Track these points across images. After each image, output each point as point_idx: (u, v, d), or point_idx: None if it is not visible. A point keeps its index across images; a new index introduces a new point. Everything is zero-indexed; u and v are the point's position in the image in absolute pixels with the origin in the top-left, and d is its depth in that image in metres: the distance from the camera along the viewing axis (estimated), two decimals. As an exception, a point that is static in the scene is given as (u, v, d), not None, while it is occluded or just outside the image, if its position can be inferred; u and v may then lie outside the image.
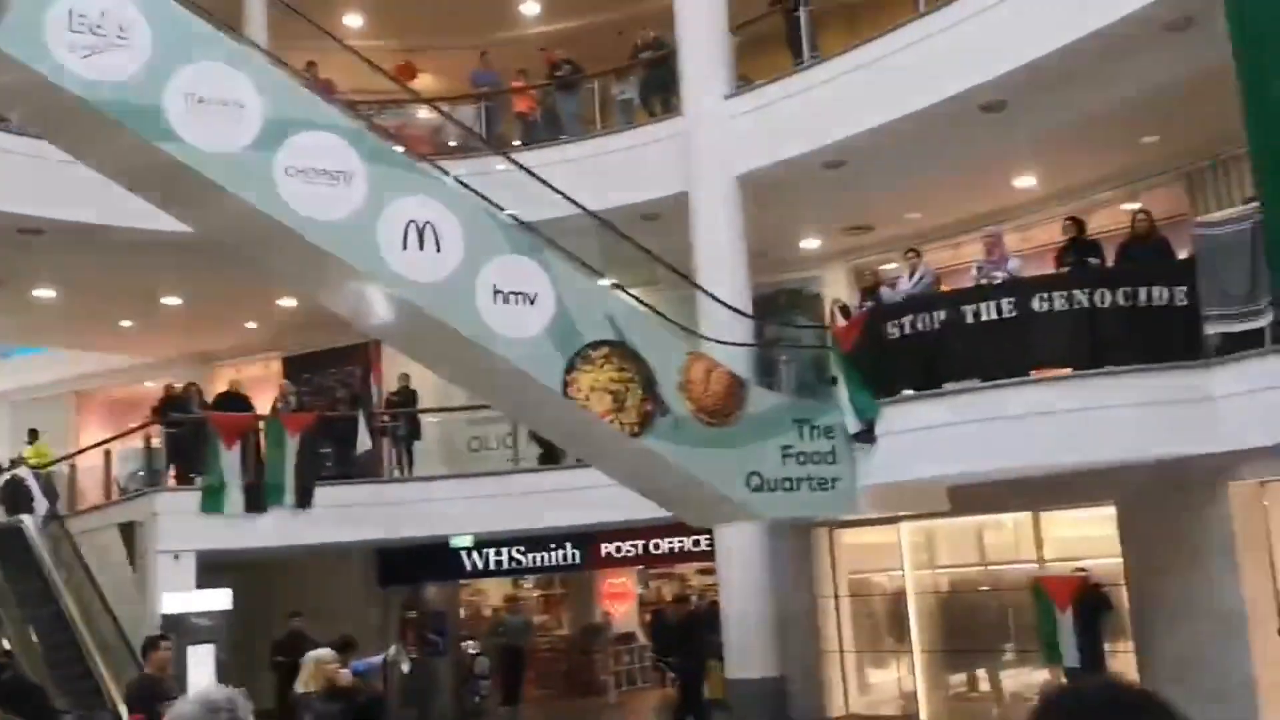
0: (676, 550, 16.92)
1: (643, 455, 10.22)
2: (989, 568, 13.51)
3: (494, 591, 21.36)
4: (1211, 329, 10.02)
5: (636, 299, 11.04)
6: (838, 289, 16.13)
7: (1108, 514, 11.47)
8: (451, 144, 16.55)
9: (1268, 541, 10.25)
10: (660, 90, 15.50)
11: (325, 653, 7.12)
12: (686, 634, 14.56)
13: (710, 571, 17.54)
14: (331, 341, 18.69)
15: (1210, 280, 9.99)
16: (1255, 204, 9.77)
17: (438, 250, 9.36)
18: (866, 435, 10.68)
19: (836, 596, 14.35)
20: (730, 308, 12.26)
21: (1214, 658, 10.14)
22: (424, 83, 18.60)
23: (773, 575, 13.35)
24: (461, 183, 10.33)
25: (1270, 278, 9.51)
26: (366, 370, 19.10)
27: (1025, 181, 13.88)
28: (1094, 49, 10.89)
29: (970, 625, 13.38)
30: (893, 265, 15.03)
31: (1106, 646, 11.24)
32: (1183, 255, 10.61)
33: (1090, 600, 11.13)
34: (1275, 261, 9.37)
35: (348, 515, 15.01)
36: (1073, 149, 12.86)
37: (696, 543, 16.31)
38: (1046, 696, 2.05)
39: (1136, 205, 13.75)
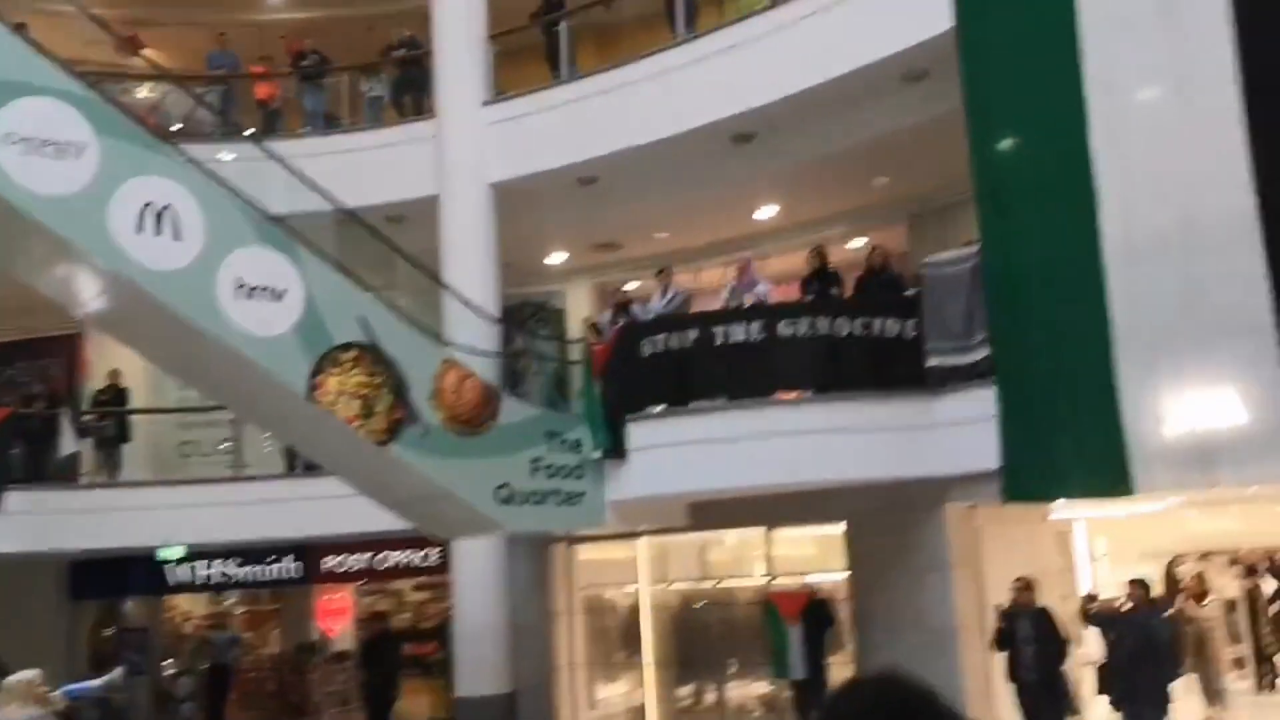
0: (405, 565, 16.44)
1: (389, 465, 9.86)
2: (722, 583, 13.91)
3: (197, 607, 20.01)
4: (933, 361, 10.72)
5: (390, 303, 10.64)
6: (582, 304, 16.24)
7: (837, 532, 12.06)
8: (174, 128, 15.44)
9: (977, 560, 11.06)
10: (412, 91, 15.13)
11: (34, 674, 6.36)
12: (376, 652, 14.32)
13: (429, 587, 17.17)
14: (27, 330, 16.98)
15: (934, 316, 10.70)
16: (975, 246, 10.54)
17: (176, 237, 8.68)
18: (614, 451, 10.75)
19: (571, 612, 14.36)
20: (487, 315, 12.08)
21: (926, 668, 10.77)
22: (151, 59, 17.29)
23: (508, 590, 13.19)
24: (208, 171, 9.62)
25: (986, 316, 10.29)
26: (71, 364, 17.49)
27: (769, 211, 14.47)
28: (838, 92, 11.50)
29: (702, 639, 13.74)
30: (637, 284, 15.29)
31: (829, 659, 11.78)
32: (911, 291, 11.31)
33: (816, 614, 11.64)
34: (992, 301, 10.14)
35: (41, 523, 13.65)
36: (813, 184, 13.52)
37: (425, 557, 15.92)
38: (835, 693, 2.05)
39: (864, 240, 14.70)
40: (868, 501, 11.35)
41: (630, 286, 14.83)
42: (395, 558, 16.30)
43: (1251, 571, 15.13)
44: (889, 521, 11.37)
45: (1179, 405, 8.91)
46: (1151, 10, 9.02)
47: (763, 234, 14.92)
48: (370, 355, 9.60)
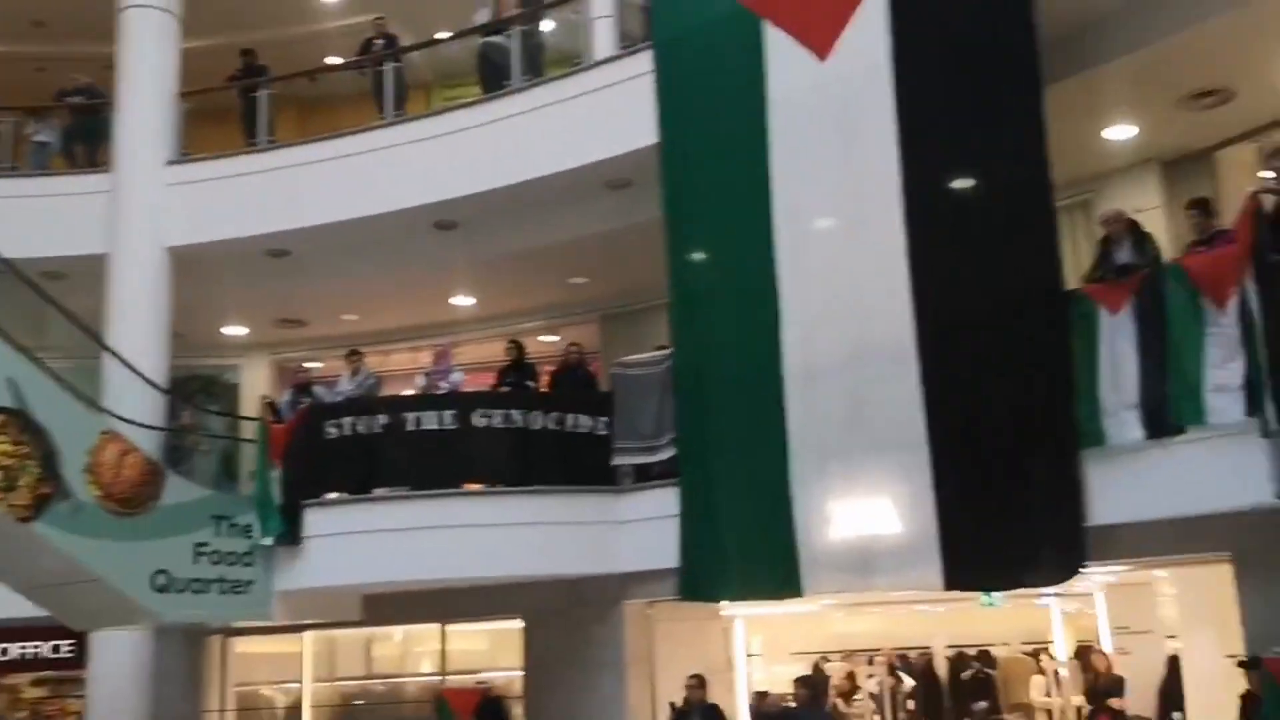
0: (30, 657, 14.66)
1: (30, 543, 8.84)
2: (393, 679, 13.35)
3: None
4: (621, 460, 10.95)
5: (44, 366, 9.64)
6: (259, 381, 15.43)
7: (513, 628, 11.91)
8: None
9: (650, 657, 11.24)
10: (87, 141, 14.01)
11: None
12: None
13: (50, 683, 15.42)
14: None
15: (624, 415, 10.96)
16: (668, 351, 10.95)
17: None
18: (288, 538, 10.19)
19: (224, 710, 13.29)
20: (154, 385, 11.19)
21: (598, 767, 10.81)
22: None
23: (153, 686, 12.03)
24: None
25: (673, 418, 10.66)
26: None
27: (465, 300, 14.40)
28: (543, 191, 11.74)
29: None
30: (319, 364, 14.72)
31: (499, 759, 11.53)
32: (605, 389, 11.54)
33: (490, 712, 11.39)
34: (680, 405, 10.53)
35: None
36: (511, 277, 13.60)
37: (56, 649, 14.28)
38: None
39: (557, 337, 14.93)
40: (548, 597, 11.32)
41: (312, 366, 14.23)
42: (20, 649, 14.52)
43: (892, 670, 16.29)
44: (567, 618, 11.38)
45: (844, 513, 9.52)
46: (834, 147, 9.82)
47: (458, 322, 14.83)
48: (17, 421, 8.65)
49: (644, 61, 11.16)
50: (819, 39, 10.40)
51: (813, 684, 9.17)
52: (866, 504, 9.42)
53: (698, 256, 10.70)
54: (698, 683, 9.31)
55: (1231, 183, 10.49)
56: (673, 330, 10.80)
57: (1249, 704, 7.44)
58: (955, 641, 16.61)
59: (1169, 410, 7.68)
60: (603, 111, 11.37)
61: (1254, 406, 7.13)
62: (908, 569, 9.24)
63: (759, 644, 16.41)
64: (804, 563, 9.65)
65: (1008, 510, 8.68)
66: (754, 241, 10.18)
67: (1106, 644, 13.71)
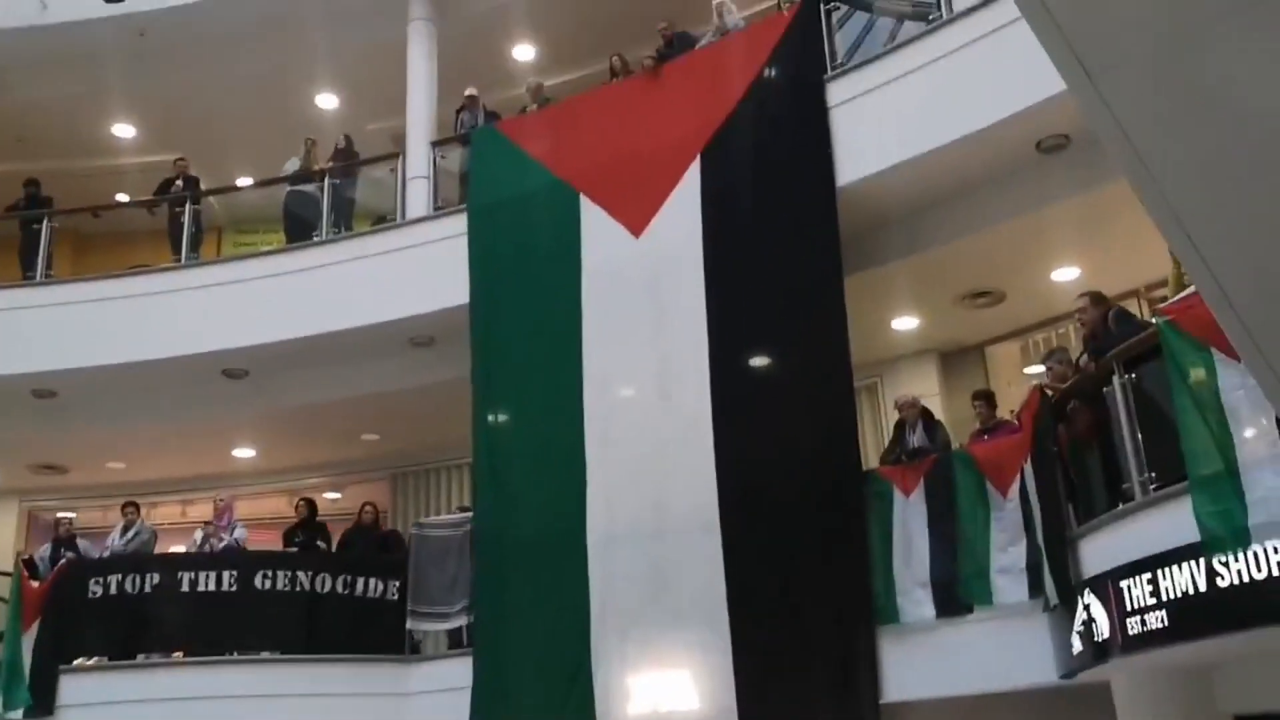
0: None
1: None
2: None
3: None
4: (415, 625, 10.54)
5: None
6: (8, 531, 14.10)
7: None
8: None
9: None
10: None
11: None
12: None
13: None
14: None
15: (419, 579, 10.61)
16: (469, 513, 10.75)
17: None
18: (39, 709, 9.21)
19: None
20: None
21: None
22: None
23: None
24: None
25: (470, 583, 10.39)
26: None
27: (245, 452, 13.74)
28: (342, 345, 11.49)
29: None
30: (73, 514, 13.63)
31: None
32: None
33: None
34: (480, 569, 10.29)
35: None
36: (301, 430, 13.11)
37: None
38: None
39: (339, 495, 14.42)
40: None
41: (66, 515, 13.15)
42: None
43: None
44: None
45: (643, 687, 9.42)
46: (645, 320, 10.11)
47: (237, 474, 14.09)
48: None
49: (458, 224, 11.29)
50: (634, 217, 10.97)
51: None
52: (665, 676, 9.37)
53: (504, 418, 10.66)
54: None
55: (1000, 375, 11.40)
56: (475, 491, 10.63)
57: None
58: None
59: (959, 590, 8.07)
60: (412, 269, 11.35)
61: (1036, 588, 7.59)
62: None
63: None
64: (601, 740, 9.45)
65: (805, 685, 8.81)
66: (562, 405, 10.26)
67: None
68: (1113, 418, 6.79)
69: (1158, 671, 7.14)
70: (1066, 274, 10.12)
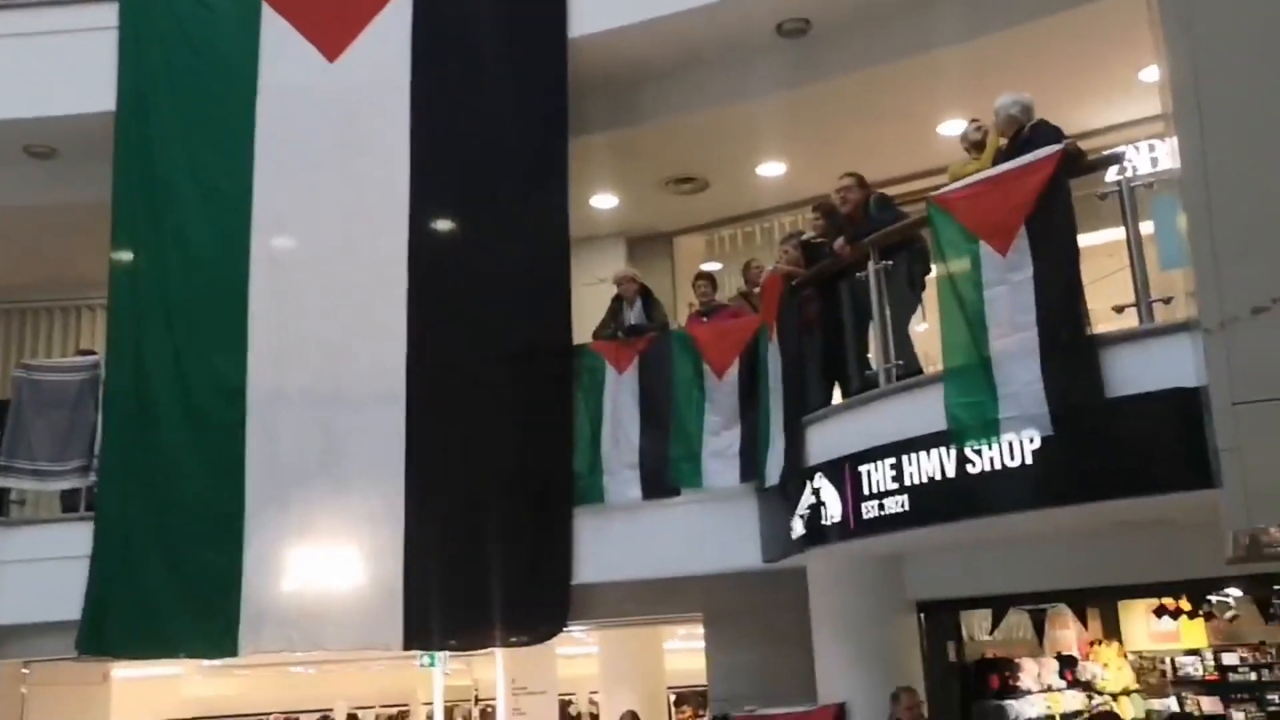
0: None
1: None
2: None
3: None
4: (10, 482, 8.89)
5: None
6: None
7: None
8: None
9: (21, 731, 9.10)
10: None
11: None
12: None
13: None
14: None
15: (19, 429, 8.94)
16: (94, 358, 9.17)
17: None
18: None
19: None
20: None
21: None
22: None
23: None
24: None
25: (90, 440, 8.90)
26: None
27: None
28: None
29: None
30: None
31: None
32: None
33: None
34: (110, 425, 8.80)
35: None
36: None
37: None
38: None
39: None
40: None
41: None
42: None
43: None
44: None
45: (301, 561, 8.50)
46: (334, 160, 8.93)
47: None
48: None
49: (106, 14, 9.42)
50: (329, 38, 9.65)
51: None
52: (328, 552, 8.50)
53: (151, 254, 9.08)
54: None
55: (684, 268, 11.25)
56: (110, 337, 9.03)
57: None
58: (324, 704, 15.89)
59: (668, 472, 7.85)
60: (38, 61, 9.37)
61: (748, 472, 7.51)
62: (365, 627, 8.46)
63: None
64: (246, 617, 8.42)
65: (488, 568, 8.28)
66: (225, 245, 8.93)
67: (502, 703, 13.88)
68: (859, 306, 6.74)
69: (856, 559, 7.31)
70: (772, 169, 10.12)
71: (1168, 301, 5.41)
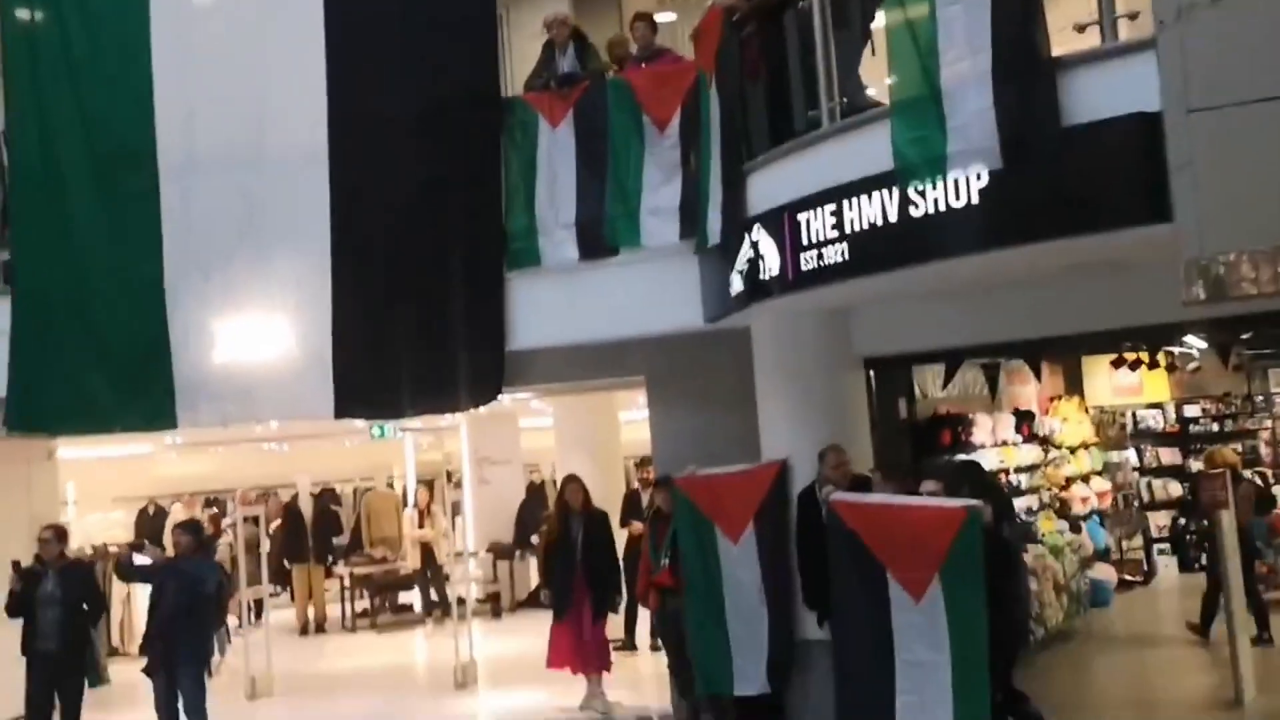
0: None
1: None
2: None
3: None
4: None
5: None
6: None
7: None
8: None
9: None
10: None
11: None
12: None
13: None
14: None
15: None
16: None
17: None
18: None
19: None
20: None
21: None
22: None
23: None
24: None
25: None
26: None
27: None
28: None
29: None
30: None
31: None
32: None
33: None
34: (15, 191, 8.28)
35: None
36: None
37: None
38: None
39: None
40: None
41: None
42: None
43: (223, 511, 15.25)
44: None
45: (228, 332, 8.15)
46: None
47: None
48: None
49: None
50: None
51: (197, 529, 7.77)
52: (254, 321, 8.12)
53: (48, 10, 8.30)
54: (54, 535, 7.43)
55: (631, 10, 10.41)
56: (8, 101, 8.34)
57: (657, 519, 7.63)
58: (309, 479, 15.97)
59: (605, 230, 7.42)
60: None
61: (688, 229, 7.09)
62: (296, 397, 8.20)
63: (73, 490, 14.31)
64: (180, 389, 8.15)
65: (418, 333, 7.97)
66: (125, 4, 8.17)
67: (468, 474, 13.94)
68: (804, 41, 6.15)
69: (800, 315, 6.98)
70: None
71: (1134, 17, 4.87)
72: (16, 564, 7.36)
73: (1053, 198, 4.85)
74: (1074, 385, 12.08)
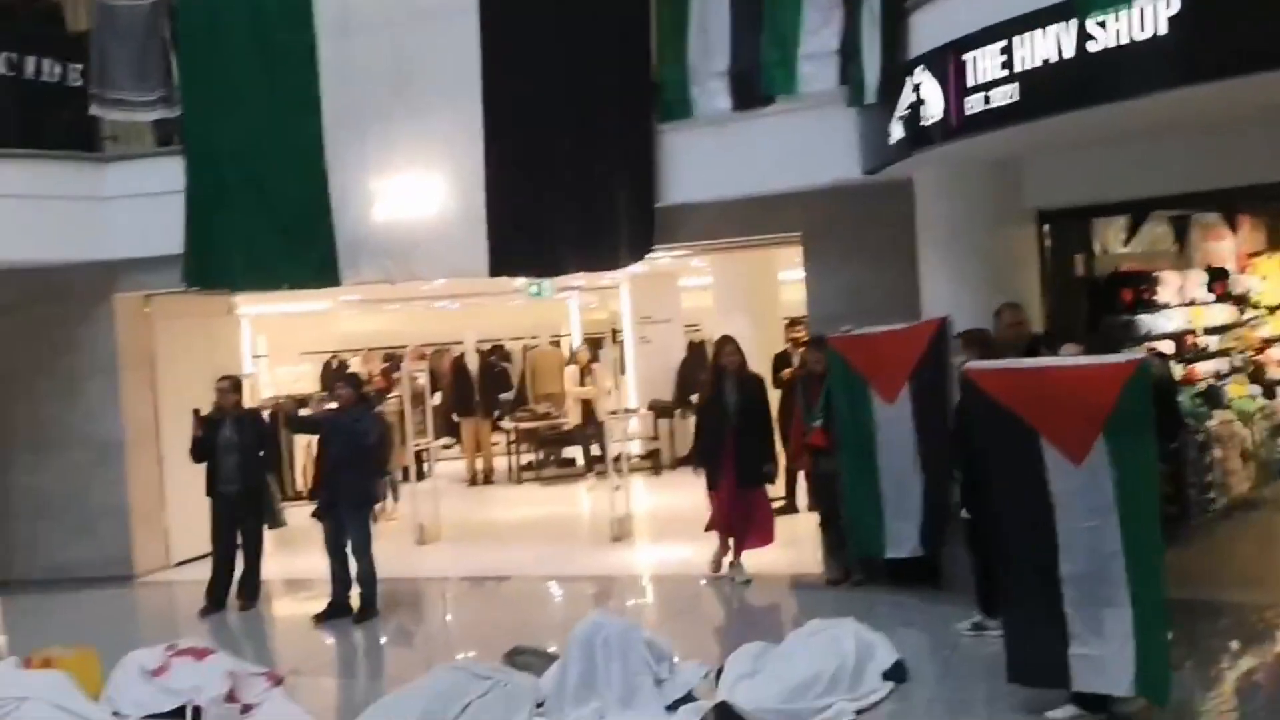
0: None
1: None
2: None
3: None
4: (101, 112, 8.70)
5: None
6: None
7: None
8: None
9: (151, 361, 9.47)
10: None
11: None
12: None
13: None
14: None
15: (101, 60, 8.64)
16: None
17: None
18: None
19: None
20: None
21: (89, 488, 9.09)
22: None
23: None
24: None
25: (166, 69, 8.60)
26: None
27: None
28: None
29: None
30: None
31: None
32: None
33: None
34: (185, 55, 8.49)
35: None
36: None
37: None
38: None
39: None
40: (14, 294, 9.11)
41: None
42: None
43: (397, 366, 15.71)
44: (39, 317, 9.24)
45: (386, 191, 8.27)
46: None
47: None
48: None
49: None
50: None
51: (357, 383, 8.02)
52: (410, 180, 8.21)
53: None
54: (230, 385, 7.81)
55: None
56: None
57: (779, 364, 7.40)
58: (476, 336, 16.35)
59: (760, 78, 7.09)
60: None
61: (847, 75, 6.70)
62: (452, 255, 8.31)
63: (264, 344, 15.02)
64: (342, 247, 8.36)
65: (570, 189, 7.92)
66: None
67: (629, 331, 13.98)
68: None
69: (966, 164, 6.55)
70: None
71: None
72: (197, 412, 7.76)
73: (1258, 25, 4.32)
74: (1277, 240, 11.10)
